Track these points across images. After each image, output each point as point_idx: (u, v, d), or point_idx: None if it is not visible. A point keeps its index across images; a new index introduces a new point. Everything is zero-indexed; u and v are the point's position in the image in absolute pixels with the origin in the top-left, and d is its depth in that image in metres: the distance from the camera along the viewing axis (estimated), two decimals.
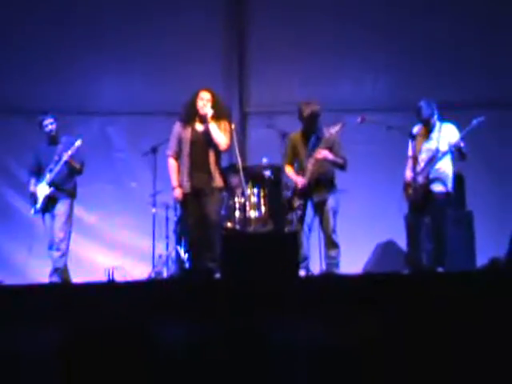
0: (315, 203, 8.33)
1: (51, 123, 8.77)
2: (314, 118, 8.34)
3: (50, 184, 8.65)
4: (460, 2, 10.50)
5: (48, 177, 8.67)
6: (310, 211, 8.35)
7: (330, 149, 8.28)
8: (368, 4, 10.62)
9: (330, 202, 8.33)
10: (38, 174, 8.81)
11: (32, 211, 8.80)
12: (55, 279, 8.55)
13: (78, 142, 8.65)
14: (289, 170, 8.58)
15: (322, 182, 8.35)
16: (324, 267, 8.37)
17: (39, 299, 5.59)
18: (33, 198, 8.77)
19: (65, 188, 8.77)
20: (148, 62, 10.59)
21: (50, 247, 8.72)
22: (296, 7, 10.62)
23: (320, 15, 10.64)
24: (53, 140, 8.81)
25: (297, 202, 8.32)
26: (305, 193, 8.31)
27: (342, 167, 8.39)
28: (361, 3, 10.64)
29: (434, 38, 10.55)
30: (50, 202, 8.71)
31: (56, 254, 8.66)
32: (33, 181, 8.84)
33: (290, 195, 8.53)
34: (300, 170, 8.45)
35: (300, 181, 8.32)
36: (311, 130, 8.41)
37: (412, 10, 10.61)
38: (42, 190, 8.69)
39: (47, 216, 8.78)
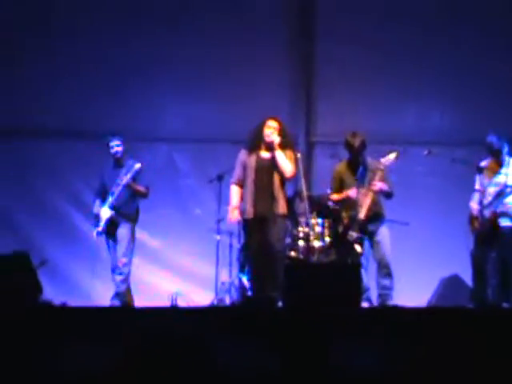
0: (370, 235, 8.26)
1: (117, 145, 8.88)
2: (363, 148, 8.31)
3: (112, 207, 8.73)
4: None
5: (110, 200, 8.74)
6: (366, 243, 8.29)
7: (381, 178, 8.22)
8: (434, 39, 10.57)
9: (383, 230, 8.26)
10: (103, 197, 8.89)
11: (95, 233, 8.86)
12: (116, 303, 8.59)
13: (138, 165, 8.71)
14: (335, 197, 8.52)
15: (375, 213, 8.29)
16: (377, 298, 8.27)
17: (102, 321, 5.64)
18: (96, 219, 8.86)
19: (126, 212, 8.83)
20: (216, 90, 10.65)
21: (113, 270, 8.80)
22: (364, 41, 10.62)
23: (388, 50, 10.63)
24: (118, 162, 8.90)
25: (354, 236, 8.22)
26: (362, 226, 8.24)
27: (390, 196, 8.33)
28: (426, 38, 10.59)
29: (501, 73, 10.46)
30: (111, 226, 8.78)
31: (118, 277, 8.73)
32: (97, 202, 8.94)
33: (343, 228, 8.44)
34: (348, 201, 8.37)
35: (352, 192, 8.22)
36: (359, 161, 8.37)
37: (479, 46, 10.55)
38: (105, 213, 8.76)
39: (109, 239, 8.88)
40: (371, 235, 8.27)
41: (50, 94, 10.59)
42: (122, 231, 8.80)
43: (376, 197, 8.23)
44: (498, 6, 10.53)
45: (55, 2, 10.70)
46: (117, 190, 8.71)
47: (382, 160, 8.17)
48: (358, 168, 8.36)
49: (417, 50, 10.62)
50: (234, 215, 8.02)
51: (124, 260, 8.72)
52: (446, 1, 10.64)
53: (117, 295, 8.64)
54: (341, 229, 8.47)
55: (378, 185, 8.15)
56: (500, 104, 10.47)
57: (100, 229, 8.78)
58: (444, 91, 10.71)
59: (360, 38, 10.63)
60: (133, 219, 8.89)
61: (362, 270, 8.11)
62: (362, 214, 8.19)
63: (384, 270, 8.20)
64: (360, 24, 10.66)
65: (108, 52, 10.65)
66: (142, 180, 8.81)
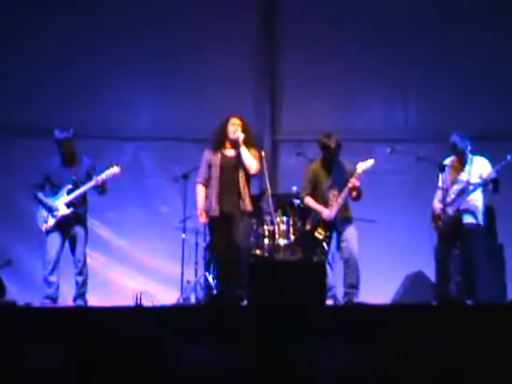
0: (339, 234, 8.30)
1: (72, 135, 8.48)
2: (339, 149, 8.36)
3: (69, 205, 8.36)
4: (494, 36, 10.47)
5: (67, 197, 8.34)
6: (334, 242, 8.34)
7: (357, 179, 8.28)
8: (400, 36, 10.63)
9: (351, 229, 8.31)
10: (44, 189, 8.50)
11: (44, 227, 8.39)
12: (81, 303, 8.40)
13: (117, 169, 8.44)
14: (309, 201, 8.52)
15: (345, 213, 8.34)
16: (343, 296, 8.32)
17: (67, 321, 5.62)
18: (49, 211, 8.37)
19: (81, 212, 8.50)
20: (182, 89, 10.67)
21: (51, 272, 8.28)
22: (329, 38, 10.69)
23: (352, 47, 10.69)
24: (71, 159, 8.52)
25: (322, 234, 8.28)
26: (330, 224, 8.29)
27: (359, 198, 8.39)
28: (393, 36, 10.65)
29: (467, 71, 10.56)
30: (64, 224, 8.37)
31: (80, 278, 8.42)
32: (41, 194, 8.45)
33: (311, 227, 8.50)
34: (321, 201, 8.41)
35: (327, 213, 8.31)
36: (334, 162, 8.42)
37: (445, 43, 10.64)
38: (61, 210, 8.33)
39: (56, 238, 8.42)
40: (339, 234, 8.32)
41: (15, 91, 10.53)
42: (80, 231, 8.44)
43: (347, 197, 8.28)
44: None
45: (26, 1, 10.63)
46: (81, 189, 8.38)
47: (359, 165, 8.22)
48: (331, 168, 8.41)
49: (381, 48, 10.68)
50: (202, 218, 8.00)
51: (83, 258, 8.41)
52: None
53: (80, 296, 8.47)
54: (309, 227, 8.50)
55: (355, 182, 8.18)
56: (464, 101, 10.55)
57: (51, 225, 8.35)
58: (408, 89, 10.80)
59: (324, 38, 10.71)
60: (85, 220, 8.57)
61: (329, 269, 8.17)
62: (333, 213, 8.25)
63: (351, 268, 8.23)
64: (324, 24, 10.72)
65: (73, 51, 10.63)
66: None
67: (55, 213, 8.37)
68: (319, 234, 8.29)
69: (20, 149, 10.59)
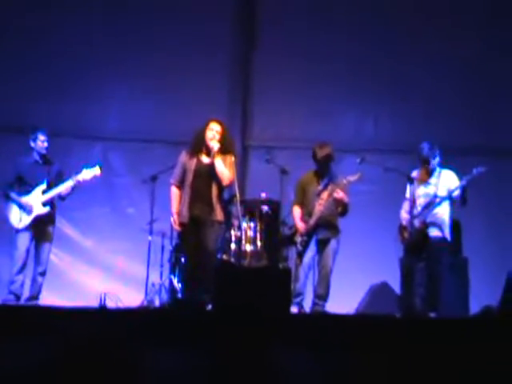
0: (319, 241, 8.35)
1: (46, 140, 8.50)
2: (328, 160, 8.43)
3: (45, 204, 8.37)
4: (461, 52, 10.57)
5: (43, 196, 8.35)
6: (312, 249, 8.37)
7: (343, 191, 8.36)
8: (372, 47, 10.69)
9: (333, 243, 8.37)
10: (14, 188, 8.46)
11: (20, 226, 8.33)
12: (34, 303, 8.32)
13: (98, 171, 8.49)
14: (296, 211, 8.59)
15: (329, 223, 8.38)
16: (311, 305, 8.37)
17: (29, 321, 5.58)
18: (24, 209, 8.33)
19: (52, 212, 8.52)
20: (153, 90, 10.65)
21: (20, 270, 8.30)
22: (301, 46, 10.72)
23: (325, 57, 10.73)
24: (43, 158, 8.54)
25: (299, 238, 8.35)
26: (310, 231, 8.34)
27: (345, 213, 8.44)
28: (362, 47, 10.71)
29: (438, 83, 10.64)
30: (38, 224, 8.37)
31: (41, 279, 8.41)
32: (14, 194, 8.40)
33: (290, 232, 8.57)
34: (307, 211, 8.46)
35: (302, 227, 8.37)
36: (324, 173, 8.47)
37: (417, 55, 10.71)
38: (37, 209, 8.33)
39: (26, 236, 8.39)
40: (319, 242, 8.37)
41: None
42: (50, 231, 8.48)
43: (332, 207, 8.35)
44: (433, 12, 10.71)
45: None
46: (58, 189, 8.38)
47: (347, 177, 8.29)
48: (321, 179, 8.48)
49: (352, 59, 10.75)
50: (176, 220, 7.90)
51: (47, 260, 8.46)
52: (380, 9, 10.75)
53: (36, 297, 8.40)
54: (291, 231, 8.61)
55: (341, 194, 8.27)
56: (434, 114, 10.63)
57: (25, 224, 8.31)
58: (379, 99, 10.85)
59: (297, 46, 10.76)
60: (55, 220, 8.59)
61: (302, 275, 8.22)
62: (312, 221, 8.33)
63: (322, 280, 8.33)
64: (297, 31, 10.78)
65: (46, 49, 10.57)
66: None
67: (30, 211, 8.34)
68: (297, 238, 8.39)
69: None
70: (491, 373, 5.21)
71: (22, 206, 8.37)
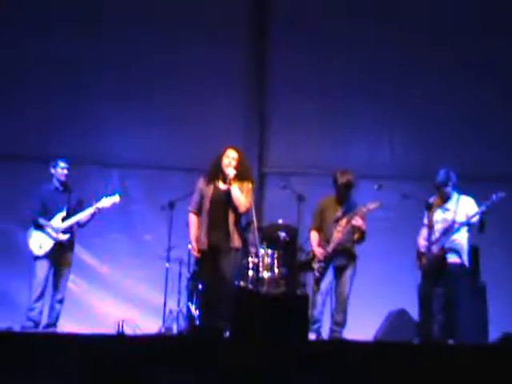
0: (336, 268, 8.35)
1: (66, 168, 8.60)
2: (348, 187, 8.45)
3: (65, 231, 8.46)
4: (478, 77, 10.58)
5: (63, 224, 8.44)
6: (330, 275, 8.36)
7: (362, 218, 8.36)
8: (386, 74, 10.73)
9: (350, 269, 8.36)
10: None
11: (40, 253, 8.40)
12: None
13: (117, 199, 8.61)
14: (313, 236, 8.60)
15: (346, 250, 8.39)
16: (329, 332, 8.35)
17: (47, 348, 5.59)
18: (51, 235, 8.40)
19: (72, 240, 8.61)
20: (171, 118, 10.74)
21: (40, 297, 8.37)
22: (316, 75, 10.78)
23: (338, 85, 10.78)
24: (64, 186, 8.64)
25: (317, 264, 8.34)
26: (328, 258, 8.34)
27: (362, 241, 8.44)
28: (378, 74, 10.75)
29: (453, 110, 10.66)
30: (57, 250, 8.44)
31: (59, 306, 8.48)
32: (43, 220, 8.48)
33: (308, 257, 8.56)
34: (325, 237, 8.46)
35: (320, 253, 8.37)
36: (343, 199, 8.48)
37: (430, 82, 10.74)
38: (58, 236, 8.42)
39: (45, 264, 8.45)
40: (336, 269, 8.38)
41: (5, 117, 10.54)
42: (68, 259, 8.57)
43: (349, 234, 8.34)
44: (452, 38, 10.75)
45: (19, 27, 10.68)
46: (79, 216, 8.47)
47: (367, 204, 8.32)
48: (340, 205, 8.49)
49: (368, 85, 10.77)
50: (195, 246, 7.91)
51: (65, 288, 8.54)
52: (395, 32, 10.79)
53: (53, 324, 8.43)
54: (308, 257, 8.60)
55: (360, 221, 8.27)
56: (451, 140, 10.62)
57: (45, 251, 8.39)
58: (395, 126, 10.88)
59: (312, 74, 10.78)
60: (73, 247, 8.68)
61: (320, 300, 8.20)
62: (330, 247, 8.33)
63: (340, 306, 8.35)
64: (314, 59, 10.80)
65: (63, 79, 10.66)
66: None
67: (57, 235, 8.40)
68: (315, 264, 8.36)
69: (7, 176, 10.54)
70: None
71: (51, 230, 8.43)
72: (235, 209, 7.82)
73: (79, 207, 8.56)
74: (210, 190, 7.91)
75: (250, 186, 7.94)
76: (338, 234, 8.33)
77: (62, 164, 8.61)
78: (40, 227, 8.49)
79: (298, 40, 10.96)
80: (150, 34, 10.82)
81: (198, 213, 7.94)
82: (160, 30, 10.86)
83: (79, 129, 10.63)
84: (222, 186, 7.93)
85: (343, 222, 8.36)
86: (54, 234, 8.42)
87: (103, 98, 10.71)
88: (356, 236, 8.40)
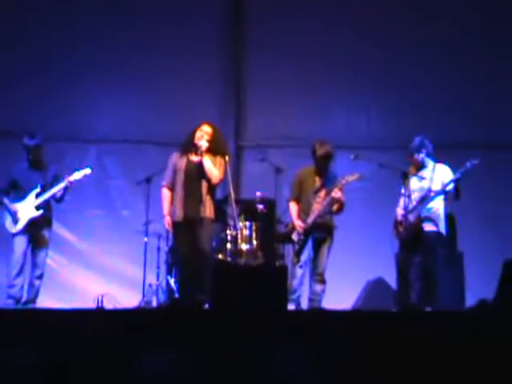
0: (315, 240, 8.38)
1: (40, 145, 8.50)
2: (327, 158, 8.45)
3: (39, 208, 8.40)
4: (456, 44, 10.59)
5: (36, 200, 8.38)
6: (309, 247, 8.40)
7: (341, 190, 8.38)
8: (363, 43, 10.70)
9: (329, 241, 8.40)
10: (9, 193, 8.52)
11: (14, 230, 8.38)
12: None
13: (89, 171, 8.57)
14: (293, 208, 8.62)
15: (325, 222, 8.41)
16: (307, 302, 8.40)
17: (26, 324, 5.59)
18: (12, 216, 8.39)
19: (48, 216, 8.57)
20: (145, 93, 10.66)
21: (19, 273, 8.36)
22: (293, 45, 10.72)
23: (315, 54, 10.74)
24: (38, 163, 8.55)
25: (296, 237, 8.37)
26: (308, 230, 8.37)
27: (341, 212, 8.47)
28: (354, 43, 10.72)
29: (430, 78, 10.65)
30: (32, 227, 8.41)
31: (38, 282, 8.47)
32: (6, 200, 8.47)
33: (287, 229, 8.59)
34: (303, 208, 8.48)
35: (300, 226, 8.39)
36: (322, 170, 8.49)
37: (409, 50, 10.73)
38: (29, 212, 8.38)
39: (23, 240, 8.44)
40: (315, 241, 8.41)
41: None
42: (46, 234, 8.54)
43: (329, 206, 8.37)
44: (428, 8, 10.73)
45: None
46: (51, 191, 8.43)
47: (346, 176, 8.33)
48: (319, 176, 8.50)
49: (345, 55, 10.73)
50: (168, 222, 7.96)
51: (44, 263, 8.53)
52: (372, 3, 10.76)
53: (32, 300, 8.42)
54: (287, 229, 8.63)
55: (339, 193, 8.28)
56: (426, 109, 10.63)
57: (20, 228, 8.37)
58: (371, 95, 10.85)
59: (288, 43, 10.75)
60: (51, 223, 8.66)
61: (299, 271, 8.24)
62: (310, 219, 8.36)
63: (317, 276, 8.40)
64: (287, 29, 10.76)
65: (40, 55, 10.57)
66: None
67: (18, 219, 8.38)
68: (294, 236, 8.40)
69: None
70: (487, 365, 5.24)
71: (12, 214, 8.42)
72: (208, 180, 7.86)
73: (55, 183, 8.51)
74: (183, 163, 7.95)
75: (222, 161, 7.97)
76: (317, 206, 8.36)
77: (35, 141, 8.46)
78: (5, 207, 8.45)
79: (275, 7, 10.88)
80: (124, 4, 10.76)
81: (172, 187, 7.97)
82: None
83: (54, 105, 10.55)
84: (194, 158, 7.96)
85: (322, 193, 8.39)
86: (20, 213, 8.37)
87: (78, 73, 10.61)
88: (335, 207, 8.43)
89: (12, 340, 5.35)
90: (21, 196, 8.48)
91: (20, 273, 8.38)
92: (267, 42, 10.80)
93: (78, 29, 10.67)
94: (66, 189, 8.47)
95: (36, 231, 8.47)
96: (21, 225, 8.38)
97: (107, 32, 10.66)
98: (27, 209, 8.39)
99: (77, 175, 8.49)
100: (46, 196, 8.45)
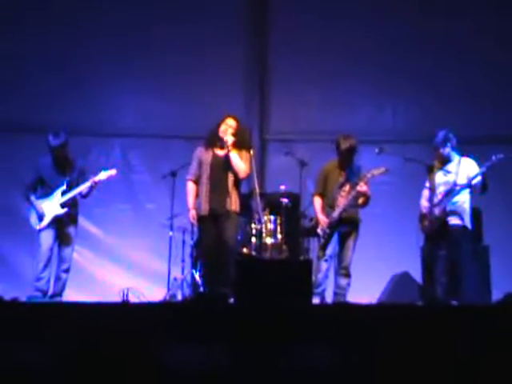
0: (341, 234, 8.37)
1: (66, 140, 8.46)
2: (351, 152, 8.41)
3: (64, 205, 8.42)
4: (478, 41, 10.52)
5: (62, 197, 8.41)
6: (334, 241, 8.38)
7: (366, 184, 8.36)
8: (389, 38, 10.67)
9: (354, 234, 8.38)
10: (36, 190, 8.56)
11: (38, 227, 8.42)
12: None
13: (114, 172, 8.59)
14: (317, 202, 8.59)
15: (351, 216, 8.39)
16: (332, 296, 8.39)
17: (54, 317, 5.63)
18: (38, 214, 8.44)
19: (74, 213, 8.60)
20: (171, 87, 10.70)
21: (45, 266, 8.39)
22: (317, 38, 10.71)
23: (340, 49, 10.72)
24: (63, 159, 8.55)
25: (321, 232, 8.35)
26: (333, 225, 8.35)
27: (366, 205, 8.45)
28: (381, 37, 10.69)
29: (454, 74, 10.60)
30: (56, 224, 8.45)
31: (65, 276, 8.50)
32: (33, 197, 8.51)
33: (311, 224, 8.59)
34: (328, 202, 8.47)
35: (324, 221, 8.38)
36: (346, 164, 8.46)
37: (431, 47, 10.68)
38: (54, 210, 8.41)
39: (49, 235, 8.48)
40: (341, 235, 8.39)
41: (4, 90, 10.52)
42: (72, 231, 8.55)
43: (354, 200, 8.33)
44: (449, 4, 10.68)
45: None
46: (77, 190, 8.44)
47: (371, 170, 8.30)
48: (344, 170, 8.47)
49: (370, 51, 10.70)
50: (193, 215, 7.99)
51: (70, 259, 8.54)
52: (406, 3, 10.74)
53: (59, 294, 8.47)
54: (312, 223, 8.63)
55: (365, 187, 8.26)
56: (452, 103, 10.59)
57: (44, 225, 8.41)
58: (396, 89, 10.82)
59: (315, 37, 10.72)
60: (77, 220, 8.68)
61: (324, 265, 8.22)
62: (335, 213, 8.33)
63: (343, 270, 8.36)
64: (315, 22, 10.74)
65: (63, 48, 10.63)
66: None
67: (42, 217, 8.42)
68: (320, 230, 8.39)
69: (9, 147, 10.56)
70: None
71: (36, 210, 8.47)
72: (235, 174, 7.86)
73: (81, 179, 8.54)
74: (208, 157, 7.98)
75: (247, 155, 7.98)
76: (342, 200, 8.33)
77: (61, 136, 8.40)
78: (31, 204, 8.52)
79: (300, 1, 10.87)
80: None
81: (197, 181, 7.99)
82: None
83: (79, 99, 10.62)
84: (220, 152, 7.97)
85: (347, 187, 8.37)
86: (45, 211, 8.41)
87: (103, 68, 10.69)
88: (361, 201, 8.40)
89: (39, 333, 5.39)
90: (47, 193, 8.51)
91: (47, 266, 8.42)
92: (292, 35, 10.80)
93: (103, 24, 10.72)
94: (91, 187, 8.51)
95: (61, 228, 8.51)
96: (45, 222, 8.43)
97: (134, 27, 10.68)
98: (52, 206, 8.43)
99: (102, 175, 8.51)
100: (72, 194, 8.48)
